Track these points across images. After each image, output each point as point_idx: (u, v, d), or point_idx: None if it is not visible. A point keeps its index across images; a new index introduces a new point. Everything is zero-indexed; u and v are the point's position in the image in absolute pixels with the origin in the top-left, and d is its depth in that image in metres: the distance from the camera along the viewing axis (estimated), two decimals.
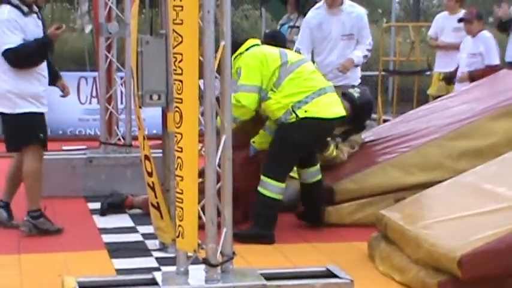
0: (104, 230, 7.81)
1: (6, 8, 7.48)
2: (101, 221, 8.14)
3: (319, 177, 7.84)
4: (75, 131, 12.71)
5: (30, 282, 6.28)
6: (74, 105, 12.84)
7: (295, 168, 7.87)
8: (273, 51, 7.71)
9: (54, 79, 8.12)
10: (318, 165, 7.86)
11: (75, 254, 7.04)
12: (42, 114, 7.70)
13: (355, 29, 9.47)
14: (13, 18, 7.43)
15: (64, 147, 10.45)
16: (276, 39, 8.29)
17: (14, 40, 7.40)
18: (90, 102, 12.86)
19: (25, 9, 7.51)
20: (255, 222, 7.51)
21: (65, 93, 8.40)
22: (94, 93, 12.74)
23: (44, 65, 7.67)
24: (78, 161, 9.20)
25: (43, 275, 6.40)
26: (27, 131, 7.59)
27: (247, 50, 7.66)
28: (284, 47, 8.14)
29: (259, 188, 7.47)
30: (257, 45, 7.79)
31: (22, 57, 7.50)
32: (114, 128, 9.52)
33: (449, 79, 12.11)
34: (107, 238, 7.53)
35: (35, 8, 7.69)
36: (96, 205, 8.54)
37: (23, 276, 6.45)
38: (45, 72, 7.70)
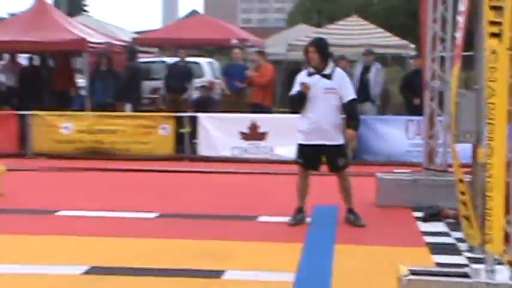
0: (425, 233, 7.64)
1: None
2: (423, 226, 7.97)
3: None
4: (403, 159, 12.59)
5: (370, 268, 6.28)
6: (403, 140, 12.79)
7: None
8: None
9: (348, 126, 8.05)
10: None
11: (402, 249, 6.97)
12: (303, 145, 7.89)
13: None
14: (299, 77, 7.94)
15: (395, 171, 10.40)
16: None
17: (293, 91, 7.94)
18: (415, 138, 12.71)
19: (311, 71, 7.86)
20: None
21: (346, 138, 8.07)
22: (418, 132, 12.57)
23: (315, 108, 7.75)
24: (406, 181, 9.11)
25: (380, 263, 6.37)
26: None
27: None
28: None
29: None
30: None
31: (290, 103, 8.27)
32: (434, 157, 9.36)
33: None
34: (427, 239, 7.36)
35: (326, 71, 7.79)
36: (419, 214, 8.40)
37: (362, 261, 6.47)
38: (315, 115, 7.73)
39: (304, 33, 20.69)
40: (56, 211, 8.63)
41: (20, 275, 6.04)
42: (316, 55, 7.79)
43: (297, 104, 7.89)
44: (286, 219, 8.02)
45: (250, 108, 14.04)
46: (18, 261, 6.40)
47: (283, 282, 5.82)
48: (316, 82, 7.77)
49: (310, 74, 7.85)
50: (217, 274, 6.04)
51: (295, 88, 7.89)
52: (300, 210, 8.04)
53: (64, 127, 13.57)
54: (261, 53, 14.95)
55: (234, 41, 17.52)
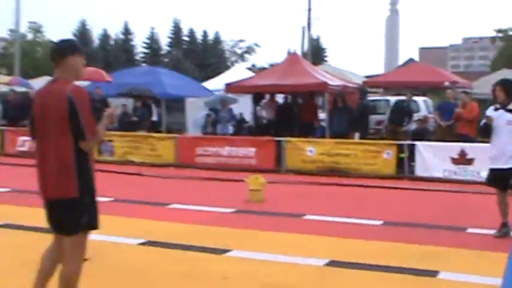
0: None
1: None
2: None
3: None
4: None
5: None
6: None
7: None
8: None
9: None
10: None
11: None
12: (491, 169, 7.43)
13: None
14: (487, 111, 7.52)
15: None
16: None
17: (481, 123, 7.65)
18: None
19: (497, 106, 7.41)
20: None
21: None
22: None
23: (500, 138, 7.29)
24: None
25: None
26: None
27: None
28: None
29: None
30: None
31: (479, 132, 8.11)
32: None
33: None
34: None
35: (510, 106, 7.32)
36: None
37: None
38: (500, 143, 7.29)
39: (506, 76, 19.24)
40: (303, 215, 8.84)
41: (275, 262, 6.22)
42: (502, 93, 7.44)
43: (483, 133, 7.64)
44: (492, 231, 7.50)
45: (459, 138, 13.43)
46: (274, 251, 6.61)
47: (490, 285, 5.42)
48: (500, 115, 7.40)
49: (496, 109, 7.50)
50: (432, 274, 5.78)
51: (483, 121, 7.62)
52: (504, 225, 7.49)
53: (309, 150, 13.92)
54: (467, 93, 14.65)
55: (447, 83, 16.93)
